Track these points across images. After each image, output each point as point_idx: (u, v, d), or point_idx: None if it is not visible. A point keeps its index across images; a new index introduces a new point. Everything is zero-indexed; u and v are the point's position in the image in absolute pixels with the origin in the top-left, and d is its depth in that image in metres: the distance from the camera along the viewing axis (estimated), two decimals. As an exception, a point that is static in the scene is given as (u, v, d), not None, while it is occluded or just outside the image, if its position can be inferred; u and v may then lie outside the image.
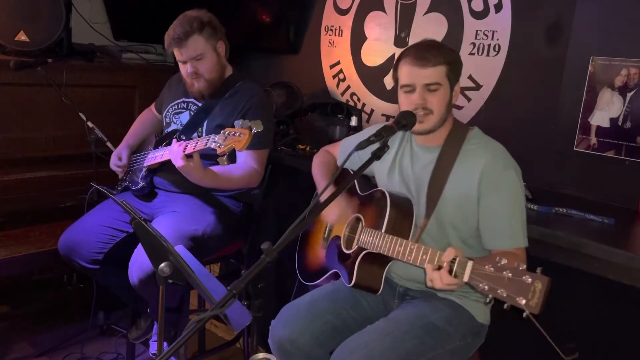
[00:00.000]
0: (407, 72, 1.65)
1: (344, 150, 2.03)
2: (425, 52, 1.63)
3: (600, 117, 2.03)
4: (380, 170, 1.86)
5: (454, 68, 1.66)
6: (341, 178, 1.99)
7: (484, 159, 1.62)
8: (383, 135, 1.50)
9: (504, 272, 1.23)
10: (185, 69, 2.20)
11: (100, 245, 2.20)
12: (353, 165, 1.92)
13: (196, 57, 2.16)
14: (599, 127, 2.03)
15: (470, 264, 1.32)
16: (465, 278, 1.32)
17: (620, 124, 1.98)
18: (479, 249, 1.69)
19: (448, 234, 1.69)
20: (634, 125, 1.95)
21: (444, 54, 1.64)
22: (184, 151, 1.94)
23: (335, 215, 1.84)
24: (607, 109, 2.01)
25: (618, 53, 1.97)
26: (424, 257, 1.48)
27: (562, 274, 1.75)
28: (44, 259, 2.66)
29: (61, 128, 2.79)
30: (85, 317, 2.79)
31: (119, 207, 2.21)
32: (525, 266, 1.22)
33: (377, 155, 1.49)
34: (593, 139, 2.05)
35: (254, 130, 1.80)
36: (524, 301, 1.19)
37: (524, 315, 1.19)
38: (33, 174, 2.74)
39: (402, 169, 1.78)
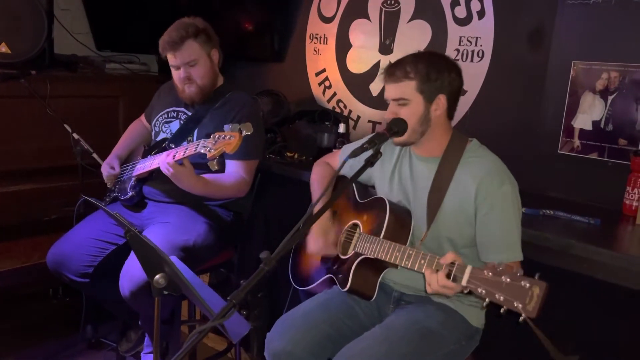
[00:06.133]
0: (385, 88, 1.69)
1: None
2: (394, 68, 1.65)
3: (583, 120, 2.07)
4: (380, 180, 1.85)
5: (429, 81, 1.61)
6: (339, 186, 1.98)
7: (480, 175, 1.61)
8: (376, 143, 1.51)
9: (502, 277, 1.24)
10: (178, 74, 2.20)
11: (90, 258, 2.17)
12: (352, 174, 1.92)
13: (190, 62, 2.17)
14: (582, 130, 2.08)
15: (469, 267, 1.34)
16: (464, 281, 1.33)
17: (602, 126, 2.03)
18: (473, 259, 1.69)
19: (444, 247, 1.69)
20: (615, 127, 2.00)
21: (414, 69, 1.61)
22: (174, 157, 1.93)
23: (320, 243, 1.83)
24: (590, 112, 2.05)
25: (599, 57, 2.02)
26: (422, 262, 1.49)
27: (552, 275, 1.79)
28: (29, 273, 2.63)
29: (46, 140, 2.76)
30: (73, 331, 2.74)
31: (108, 219, 2.21)
32: (522, 272, 1.23)
33: (370, 162, 1.50)
34: (576, 142, 2.09)
35: (244, 132, 1.80)
36: (520, 305, 1.19)
37: (520, 319, 1.20)
38: (18, 187, 2.71)
39: (401, 179, 1.78)
